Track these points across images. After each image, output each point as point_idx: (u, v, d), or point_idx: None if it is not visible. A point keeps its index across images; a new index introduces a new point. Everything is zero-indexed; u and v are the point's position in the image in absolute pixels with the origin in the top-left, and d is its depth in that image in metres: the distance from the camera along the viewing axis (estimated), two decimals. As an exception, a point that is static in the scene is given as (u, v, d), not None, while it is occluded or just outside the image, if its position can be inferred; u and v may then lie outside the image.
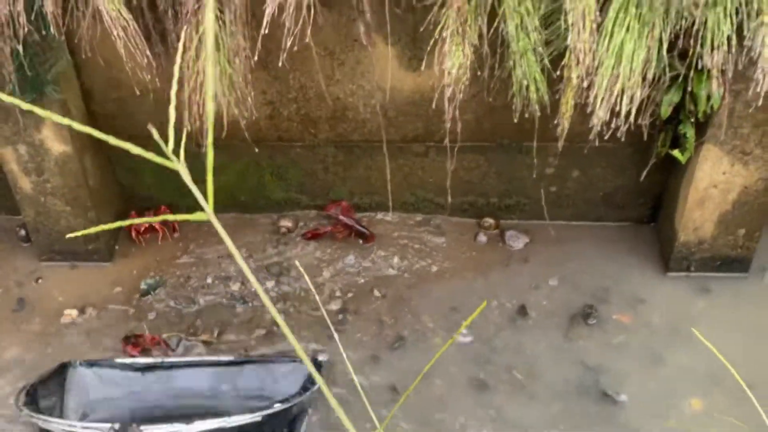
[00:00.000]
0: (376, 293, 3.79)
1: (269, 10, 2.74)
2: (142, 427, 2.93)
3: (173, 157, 0.85)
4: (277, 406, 3.11)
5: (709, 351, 3.44)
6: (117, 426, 2.93)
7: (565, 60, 2.92)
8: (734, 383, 3.37)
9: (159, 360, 3.43)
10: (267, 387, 3.38)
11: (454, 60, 2.87)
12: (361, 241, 3.96)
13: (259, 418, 3.05)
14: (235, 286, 3.83)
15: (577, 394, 3.39)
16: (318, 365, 3.46)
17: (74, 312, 3.76)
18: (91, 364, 3.41)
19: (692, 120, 3.26)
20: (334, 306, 3.73)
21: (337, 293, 3.79)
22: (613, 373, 3.47)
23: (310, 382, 3.26)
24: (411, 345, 3.58)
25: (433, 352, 3.55)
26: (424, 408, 3.35)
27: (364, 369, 3.49)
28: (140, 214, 3.99)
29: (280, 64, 3.00)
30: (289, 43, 2.86)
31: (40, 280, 3.91)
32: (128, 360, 3.44)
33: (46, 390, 3.28)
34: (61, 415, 3.26)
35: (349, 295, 3.78)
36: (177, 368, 3.42)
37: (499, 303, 3.73)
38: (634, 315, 3.68)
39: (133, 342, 3.60)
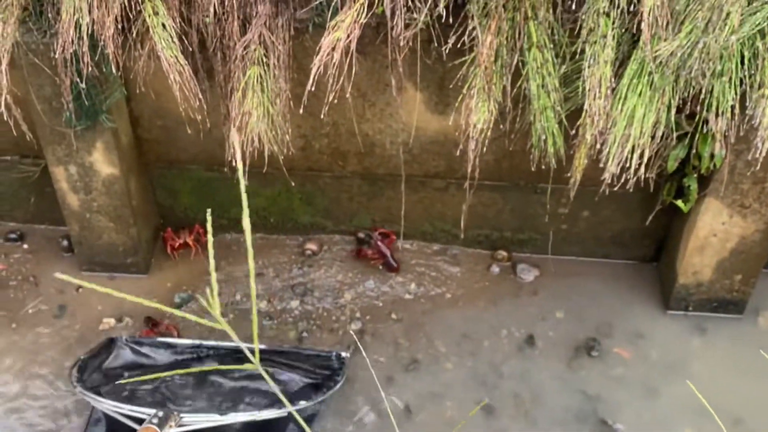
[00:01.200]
0: (394, 317, 4.06)
1: (315, 69, 3.00)
2: (182, 415, 3.22)
3: (221, 320, 1.06)
4: (302, 404, 3.41)
5: (702, 387, 3.71)
6: (161, 413, 3.21)
7: (581, 120, 3.19)
8: (724, 417, 3.62)
9: (198, 342, 3.77)
10: (294, 378, 3.68)
11: (480, 115, 3.14)
12: (387, 270, 4.24)
13: (285, 414, 3.34)
14: (262, 304, 4.10)
15: (577, 422, 3.64)
16: (341, 360, 3.74)
17: (112, 320, 4.04)
18: (135, 341, 3.78)
19: (696, 174, 3.52)
20: (354, 327, 4.00)
21: (357, 314, 4.05)
22: (612, 403, 3.73)
23: (334, 378, 3.60)
24: (424, 368, 3.84)
25: (444, 375, 3.82)
26: (435, 428, 3.61)
27: (380, 388, 3.75)
28: (175, 232, 4.27)
29: (321, 114, 3.28)
30: (330, 98, 3.13)
31: (80, 290, 4.18)
32: (170, 339, 3.80)
33: (93, 364, 3.64)
34: (103, 385, 3.56)
35: (368, 317, 4.05)
36: (215, 350, 3.75)
37: (508, 332, 3.99)
38: (634, 349, 3.93)
39: (152, 325, 3.98)
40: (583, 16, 3.03)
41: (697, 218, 3.69)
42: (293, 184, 4.04)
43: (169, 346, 3.79)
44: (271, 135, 3.44)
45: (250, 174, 3.57)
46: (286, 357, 3.75)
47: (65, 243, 4.31)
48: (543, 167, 3.42)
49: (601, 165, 3.26)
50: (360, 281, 4.20)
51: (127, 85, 3.62)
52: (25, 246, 4.41)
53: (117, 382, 3.59)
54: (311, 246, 4.32)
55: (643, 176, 3.31)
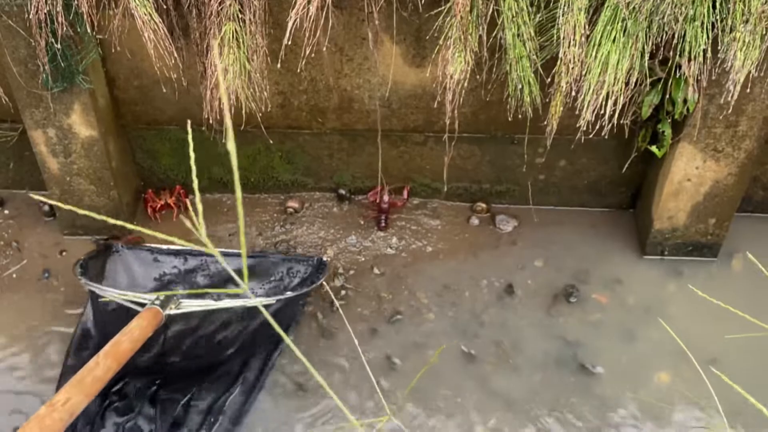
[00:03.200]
0: (376, 271, 4.11)
1: (291, 23, 3.01)
2: (181, 300, 3.40)
3: (206, 241, 1.10)
4: (289, 294, 3.65)
5: (678, 330, 3.80)
6: (162, 297, 3.38)
7: (556, 68, 3.23)
8: (699, 359, 3.72)
9: (191, 247, 3.86)
10: (284, 279, 3.95)
11: (456, 66, 3.16)
12: (375, 226, 4.29)
13: (273, 301, 3.54)
14: (245, 262, 4.13)
15: (557, 366, 3.73)
16: (322, 264, 3.93)
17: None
18: (131, 247, 3.98)
19: (669, 120, 3.58)
20: (338, 282, 4.04)
21: (340, 270, 4.10)
22: (591, 347, 3.82)
23: (315, 276, 3.85)
24: (407, 319, 3.91)
25: (426, 325, 3.89)
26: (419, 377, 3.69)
27: (364, 341, 3.82)
28: (156, 193, 4.28)
29: (298, 69, 3.29)
30: (307, 52, 3.14)
31: (64, 253, 4.19)
32: (164, 246, 3.97)
33: (93, 265, 3.82)
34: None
35: (351, 272, 4.10)
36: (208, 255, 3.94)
37: (488, 282, 4.06)
38: (612, 295, 4.02)
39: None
40: (557, -36, 3.06)
41: (671, 163, 3.75)
42: (272, 141, 4.06)
43: (163, 251, 3.98)
44: (248, 92, 3.45)
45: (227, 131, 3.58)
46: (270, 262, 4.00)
47: (46, 207, 4.31)
48: (520, 117, 3.46)
49: (577, 113, 3.31)
50: (342, 237, 4.25)
51: (102, 45, 3.60)
52: (6, 211, 4.40)
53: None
54: (293, 204, 4.35)
55: (617, 123, 3.36)
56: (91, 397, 2.70)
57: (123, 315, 3.34)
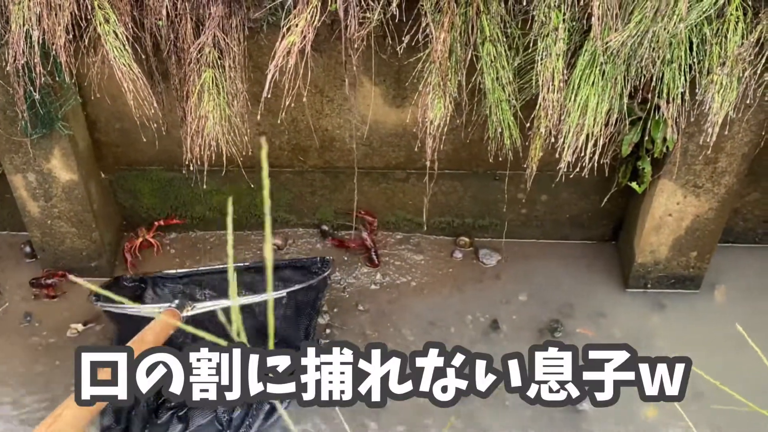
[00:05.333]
0: (361, 308, 4.11)
1: (270, 75, 3.01)
2: (196, 304, 3.59)
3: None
4: (297, 286, 3.73)
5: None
6: (176, 302, 3.57)
7: (536, 112, 3.25)
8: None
9: (195, 269, 4.07)
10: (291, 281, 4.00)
11: (436, 111, 3.17)
12: (369, 264, 4.29)
13: (284, 294, 3.68)
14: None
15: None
16: (326, 263, 3.97)
17: (79, 326, 4.03)
18: (137, 279, 4.02)
19: (649, 158, 3.60)
20: (322, 321, 4.04)
21: (324, 308, 4.10)
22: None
23: (320, 270, 3.93)
24: (393, 357, 3.90)
25: (413, 363, 3.88)
26: (410, 412, 3.68)
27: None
28: (134, 232, 4.28)
29: (279, 120, 3.29)
30: (287, 103, 3.14)
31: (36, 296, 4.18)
32: (171, 271, 4.04)
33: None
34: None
35: (336, 309, 4.10)
36: (216, 273, 4.03)
37: (473, 317, 4.07)
38: (597, 328, 4.03)
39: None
40: (534, 11, 3.07)
41: (652, 199, 3.78)
42: (254, 179, 4.05)
43: (168, 278, 4.03)
44: (229, 137, 3.44)
45: (211, 173, 3.59)
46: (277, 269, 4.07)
47: (28, 249, 4.28)
48: (500, 159, 3.47)
49: (557, 154, 3.32)
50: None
51: (82, 91, 3.59)
52: (-14, 254, 4.38)
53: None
54: (276, 240, 4.34)
55: (597, 162, 3.37)
56: None
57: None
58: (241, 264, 4.03)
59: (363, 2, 3.06)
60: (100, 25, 3.11)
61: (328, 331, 4.00)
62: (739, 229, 4.25)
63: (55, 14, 3.09)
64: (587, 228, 4.31)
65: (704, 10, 3.06)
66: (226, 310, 3.44)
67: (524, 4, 3.05)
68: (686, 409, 3.66)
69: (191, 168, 3.49)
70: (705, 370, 3.81)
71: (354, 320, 4.06)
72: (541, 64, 3.10)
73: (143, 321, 3.51)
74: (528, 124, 3.35)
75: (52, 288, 4.17)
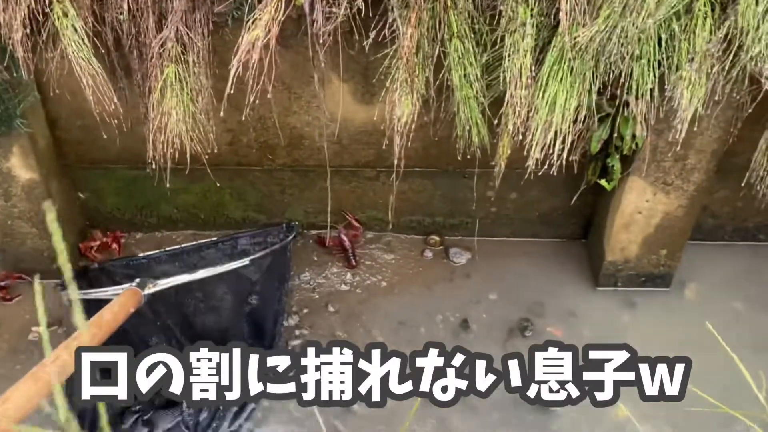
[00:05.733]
0: (330, 308, 4.05)
1: (233, 71, 2.95)
2: (157, 281, 3.60)
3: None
4: (260, 253, 3.84)
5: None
6: (137, 281, 3.58)
7: (503, 109, 3.21)
8: (655, 389, 3.74)
9: (160, 251, 4.07)
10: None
11: (403, 108, 3.12)
12: (345, 265, 4.25)
13: (247, 262, 3.77)
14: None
15: (514, 404, 3.70)
16: (291, 228, 4.08)
17: (41, 329, 3.93)
18: (103, 265, 4.03)
19: (618, 155, 3.58)
20: (292, 321, 3.98)
21: (294, 309, 4.04)
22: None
23: (285, 236, 4.06)
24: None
25: (382, 364, 3.83)
26: (378, 416, 3.63)
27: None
28: (103, 233, 4.18)
29: (243, 117, 3.23)
30: (251, 99, 3.07)
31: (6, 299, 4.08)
32: (139, 255, 4.07)
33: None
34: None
35: (305, 311, 4.04)
36: (181, 254, 4.07)
37: (443, 317, 4.03)
38: (566, 328, 4.01)
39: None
40: (502, 6, 3.03)
41: (622, 196, 3.76)
42: (222, 178, 3.98)
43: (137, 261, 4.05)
44: (194, 134, 3.37)
45: (176, 171, 3.51)
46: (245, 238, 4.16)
47: (-9, 255, 4.18)
48: (468, 157, 3.43)
49: (525, 151, 3.29)
50: (295, 273, 4.18)
51: (41, 88, 3.51)
52: (-55, 255, 4.26)
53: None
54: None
55: (566, 160, 3.35)
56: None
57: None
58: (203, 241, 4.12)
59: (329, -4, 3.01)
60: (58, 19, 3.03)
61: (297, 332, 3.94)
62: (709, 226, 4.25)
63: (12, 8, 3.00)
64: (557, 226, 4.29)
65: (673, 5, 3.04)
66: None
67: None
68: (657, 410, 3.66)
69: (154, 166, 3.41)
70: (676, 368, 3.80)
71: (324, 321, 4.00)
72: (509, 60, 3.07)
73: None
74: (496, 122, 3.32)
75: (6, 290, 4.07)
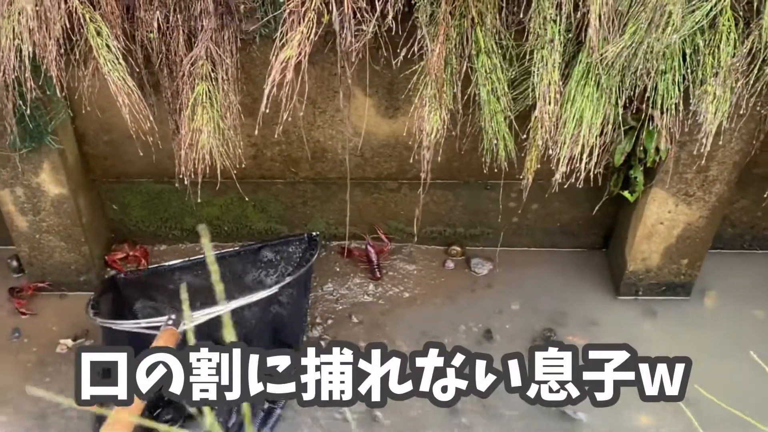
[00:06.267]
0: (354, 319, 4.09)
1: (267, 90, 2.99)
2: (192, 313, 3.48)
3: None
4: (288, 279, 3.73)
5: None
6: (173, 316, 3.46)
7: (531, 124, 3.25)
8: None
9: (182, 260, 4.07)
10: (281, 264, 4.12)
11: (432, 124, 3.17)
12: (370, 277, 4.28)
13: (276, 290, 3.66)
14: (220, 314, 4.09)
15: (538, 414, 3.74)
16: (314, 240, 4.05)
17: (69, 341, 3.98)
18: (132, 273, 4.07)
19: (642, 167, 3.62)
20: (316, 333, 4.02)
21: (318, 320, 4.07)
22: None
23: (309, 253, 3.99)
24: (387, 369, 3.88)
25: (407, 374, 3.87)
26: (402, 424, 3.67)
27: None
28: (130, 246, 4.24)
29: (276, 135, 3.28)
30: (285, 117, 3.11)
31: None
32: (166, 264, 4.06)
33: (105, 301, 3.84)
34: (128, 315, 3.88)
35: (329, 321, 4.08)
36: (203, 263, 4.05)
37: (466, 327, 4.07)
38: (588, 336, 4.04)
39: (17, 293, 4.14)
40: (530, 23, 3.07)
41: (644, 207, 3.80)
42: (245, 191, 4.02)
43: (165, 270, 4.06)
44: (222, 150, 3.41)
45: (202, 185, 3.55)
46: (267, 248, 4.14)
47: (15, 263, 4.22)
48: (496, 170, 3.47)
49: (551, 165, 3.33)
50: (318, 285, 4.22)
51: (72, 104, 3.55)
52: (-28, 269, 4.31)
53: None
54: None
55: (592, 172, 3.38)
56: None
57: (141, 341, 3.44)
58: (226, 250, 4.13)
59: (358, 15, 3.05)
60: (92, 38, 3.07)
61: (322, 343, 3.97)
62: (728, 235, 4.29)
63: (46, 27, 3.05)
64: (578, 236, 4.32)
65: (697, 20, 3.08)
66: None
67: (521, 15, 3.06)
68: (677, 419, 3.70)
69: (185, 181, 3.45)
70: (697, 376, 3.84)
71: (347, 332, 4.04)
72: (537, 75, 3.11)
73: (139, 336, 3.50)
74: (524, 136, 3.36)
75: (24, 302, 4.11)
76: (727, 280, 4.27)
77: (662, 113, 3.25)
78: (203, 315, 3.54)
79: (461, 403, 3.75)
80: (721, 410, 3.72)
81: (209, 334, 3.63)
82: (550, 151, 3.25)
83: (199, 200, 3.59)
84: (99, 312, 3.73)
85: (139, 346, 3.40)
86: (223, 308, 3.54)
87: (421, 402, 3.72)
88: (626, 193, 3.76)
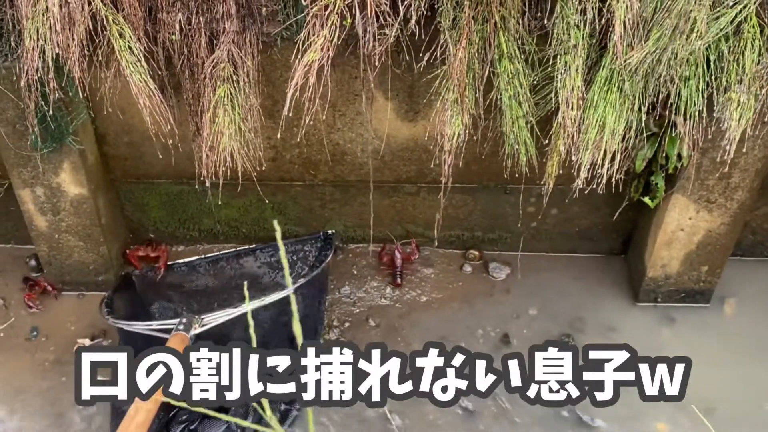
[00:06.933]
0: (371, 323, 4.08)
1: (290, 94, 2.98)
2: (203, 316, 3.53)
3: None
4: (301, 281, 3.79)
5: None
6: (184, 320, 3.49)
7: (553, 130, 3.23)
8: (697, 406, 3.75)
9: (199, 258, 4.23)
10: (297, 264, 4.20)
11: (454, 129, 3.15)
12: (390, 281, 4.27)
13: (290, 292, 3.61)
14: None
15: (555, 420, 3.72)
16: (329, 238, 4.16)
17: (87, 341, 3.99)
18: (147, 270, 4.19)
19: (663, 173, 3.60)
20: (333, 335, 4.01)
21: (335, 322, 4.07)
22: (588, 399, 3.81)
23: (323, 254, 4.10)
24: (404, 373, 3.88)
25: (424, 378, 3.86)
26: (416, 430, 3.67)
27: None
28: (152, 248, 4.25)
29: (298, 138, 3.27)
30: (306, 120, 3.11)
31: (41, 307, 4.15)
32: (179, 261, 4.21)
33: (120, 298, 3.95)
34: (142, 315, 3.96)
35: (346, 324, 4.07)
36: (220, 261, 4.22)
37: (484, 332, 4.05)
38: (607, 342, 4.02)
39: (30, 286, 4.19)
40: (553, 28, 3.06)
41: (664, 214, 3.77)
42: (264, 193, 4.02)
43: (183, 265, 4.20)
44: (243, 152, 3.41)
45: (222, 187, 3.56)
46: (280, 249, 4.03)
47: (33, 263, 4.24)
48: (517, 175, 3.45)
49: (573, 172, 3.31)
50: (335, 287, 4.22)
51: (93, 105, 3.56)
52: (-9, 267, 4.33)
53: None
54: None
55: (613, 178, 3.36)
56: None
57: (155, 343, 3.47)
58: (242, 248, 4.23)
59: (381, 18, 3.04)
60: (115, 40, 3.08)
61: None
62: (749, 242, 4.26)
63: (69, 29, 3.05)
64: (596, 241, 4.30)
65: (722, 27, 3.06)
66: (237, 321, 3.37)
67: (545, 21, 3.04)
68: (696, 427, 3.68)
69: (206, 183, 3.46)
70: (716, 384, 3.82)
71: (364, 335, 4.03)
72: (560, 80, 3.09)
73: (153, 338, 3.51)
74: (545, 141, 3.34)
75: (34, 297, 4.14)
76: (747, 287, 4.23)
77: (685, 120, 3.23)
78: (214, 318, 3.57)
79: (479, 408, 3.74)
80: (739, 418, 3.74)
81: (223, 335, 3.68)
82: (572, 157, 3.22)
83: (215, 201, 3.59)
84: (112, 311, 3.77)
85: (158, 343, 3.44)
86: (234, 311, 3.59)
87: (437, 406, 3.73)
88: (647, 199, 3.74)
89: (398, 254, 4.22)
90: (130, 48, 3.09)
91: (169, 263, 4.19)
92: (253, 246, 4.25)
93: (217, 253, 4.26)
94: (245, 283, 1.87)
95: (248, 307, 3.55)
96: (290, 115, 3.03)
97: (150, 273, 4.16)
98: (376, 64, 3.13)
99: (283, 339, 3.88)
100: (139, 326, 3.62)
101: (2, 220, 4.26)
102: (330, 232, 4.26)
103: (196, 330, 3.52)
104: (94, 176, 3.79)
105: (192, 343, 3.47)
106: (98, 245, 3.96)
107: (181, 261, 4.22)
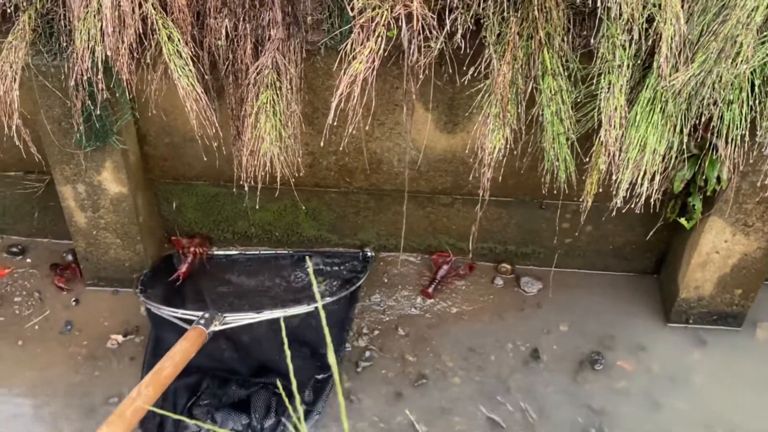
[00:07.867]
0: (401, 331, 4.10)
1: (334, 103, 3.01)
2: (225, 315, 3.62)
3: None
4: (327, 299, 3.87)
5: (702, 399, 3.77)
6: (207, 315, 3.59)
7: (594, 148, 3.24)
8: (724, 429, 3.73)
9: (238, 252, 4.35)
10: (331, 276, 4.28)
11: (495, 143, 3.16)
12: (422, 290, 4.28)
13: (312, 309, 3.70)
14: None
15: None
16: (366, 259, 4.25)
17: (119, 337, 4.04)
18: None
19: (701, 195, 3.58)
20: (362, 342, 4.03)
21: (365, 330, 4.09)
22: (616, 416, 3.80)
23: (356, 276, 4.16)
24: (432, 383, 3.89)
25: (452, 390, 3.87)
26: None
27: (388, 404, 3.80)
28: (197, 246, 4.31)
29: (340, 147, 3.30)
30: (350, 130, 3.14)
31: (74, 302, 4.22)
32: (219, 252, 4.34)
33: (155, 279, 4.14)
34: (174, 298, 4.06)
35: (376, 332, 4.09)
36: (254, 260, 4.33)
37: (514, 345, 4.05)
38: (636, 362, 4.01)
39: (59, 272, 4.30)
40: (598, 45, 3.06)
41: (700, 236, 3.76)
42: (299, 198, 4.05)
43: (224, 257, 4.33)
44: (282, 158, 3.44)
45: (255, 189, 3.59)
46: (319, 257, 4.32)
47: (69, 258, 4.30)
48: (555, 191, 3.45)
49: (611, 190, 3.31)
50: (366, 295, 4.24)
51: (137, 107, 3.61)
52: (28, 260, 4.39)
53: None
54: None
55: (652, 198, 3.35)
56: (131, 428, 2.96)
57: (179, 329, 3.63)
58: (280, 251, 4.32)
59: (426, 31, 3.06)
60: (164, 43, 3.12)
61: (367, 353, 3.99)
62: (784, 267, 4.22)
63: (120, 31, 3.10)
64: (630, 260, 4.29)
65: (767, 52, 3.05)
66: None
67: (591, 40, 3.05)
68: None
69: (245, 187, 3.49)
70: (743, 408, 3.80)
71: (393, 344, 4.05)
72: (603, 99, 3.09)
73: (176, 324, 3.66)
74: (585, 159, 3.34)
75: (64, 279, 4.25)
76: (780, 312, 4.21)
77: (727, 143, 3.21)
78: (236, 319, 3.64)
79: (506, 421, 3.74)
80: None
81: (240, 335, 3.72)
82: (613, 176, 3.22)
83: (252, 205, 3.63)
84: (146, 291, 3.95)
85: (181, 330, 3.55)
86: (257, 316, 3.64)
87: (464, 417, 3.75)
88: (683, 220, 3.73)
89: (445, 266, 4.24)
90: (178, 52, 3.13)
91: (209, 253, 4.31)
92: (290, 251, 4.32)
93: (255, 251, 4.34)
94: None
95: (269, 315, 3.65)
96: (334, 123, 3.05)
97: (191, 259, 4.26)
98: (420, 76, 3.15)
99: (307, 346, 3.88)
100: (165, 311, 3.72)
101: (41, 214, 4.32)
102: (370, 254, 4.29)
103: (216, 327, 3.58)
104: (135, 176, 3.84)
105: (208, 339, 3.55)
106: (135, 243, 4.02)
107: (221, 252, 4.32)
